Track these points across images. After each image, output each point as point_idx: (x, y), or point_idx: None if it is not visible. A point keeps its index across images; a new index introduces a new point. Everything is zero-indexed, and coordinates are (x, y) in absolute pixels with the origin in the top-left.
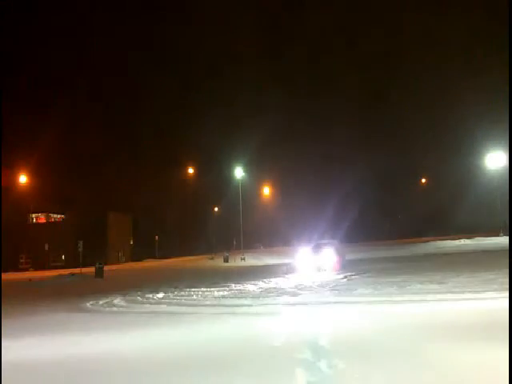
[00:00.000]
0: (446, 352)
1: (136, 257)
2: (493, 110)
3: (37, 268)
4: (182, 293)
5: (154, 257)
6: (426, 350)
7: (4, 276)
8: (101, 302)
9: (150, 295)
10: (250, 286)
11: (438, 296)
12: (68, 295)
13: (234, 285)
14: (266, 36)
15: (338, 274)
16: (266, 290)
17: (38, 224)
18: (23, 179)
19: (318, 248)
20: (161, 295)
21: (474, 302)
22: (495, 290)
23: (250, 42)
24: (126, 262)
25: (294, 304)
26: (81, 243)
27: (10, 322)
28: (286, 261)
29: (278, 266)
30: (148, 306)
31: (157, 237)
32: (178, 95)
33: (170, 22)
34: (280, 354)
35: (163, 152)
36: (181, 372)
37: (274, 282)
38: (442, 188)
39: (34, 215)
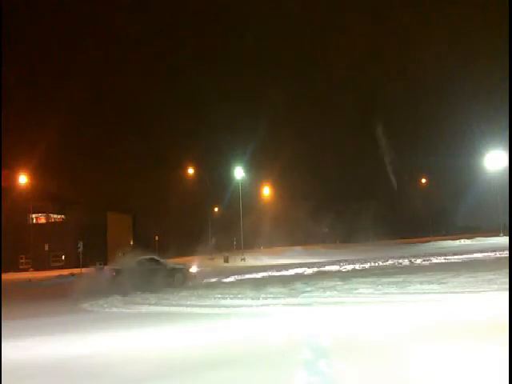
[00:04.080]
0: (446, 352)
1: None
2: (493, 109)
3: (37, 268)
4: (183, 293)
5: None
6: (426, 350)
7: (4, 276)
8: (101, 303)
9: (150, 295)
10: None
11: (438, 296)
12: (68, 295)
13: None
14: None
15: None
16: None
17: (38, 224)
18: (23, 179)
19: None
20: (161, 295)
21: (473, 302)
22: (495, 290)
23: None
24: None
25: (294, 305)
26: (81, 243)
27: (10, 322)
28: (285, 261)
29: (275, 266)
30: (147, 306)
31: (157, 237)
32: (179, 95)
33: (169, 22)
34: (280, 354)
35: (163, 152)
36: (181, 373)
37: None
38: (442, 188)
39: (34, 215)
